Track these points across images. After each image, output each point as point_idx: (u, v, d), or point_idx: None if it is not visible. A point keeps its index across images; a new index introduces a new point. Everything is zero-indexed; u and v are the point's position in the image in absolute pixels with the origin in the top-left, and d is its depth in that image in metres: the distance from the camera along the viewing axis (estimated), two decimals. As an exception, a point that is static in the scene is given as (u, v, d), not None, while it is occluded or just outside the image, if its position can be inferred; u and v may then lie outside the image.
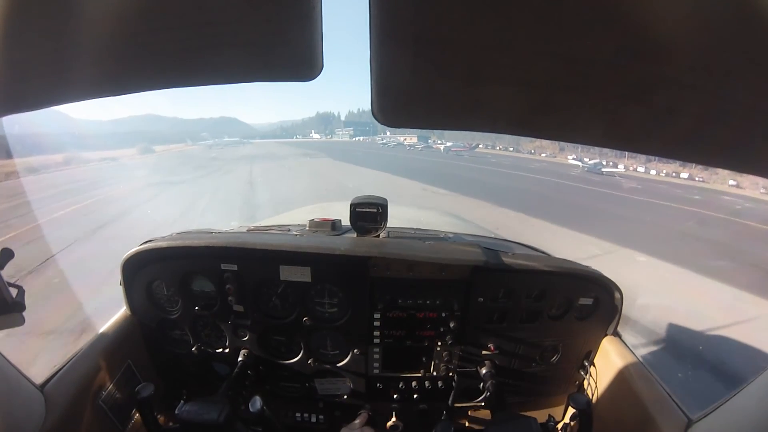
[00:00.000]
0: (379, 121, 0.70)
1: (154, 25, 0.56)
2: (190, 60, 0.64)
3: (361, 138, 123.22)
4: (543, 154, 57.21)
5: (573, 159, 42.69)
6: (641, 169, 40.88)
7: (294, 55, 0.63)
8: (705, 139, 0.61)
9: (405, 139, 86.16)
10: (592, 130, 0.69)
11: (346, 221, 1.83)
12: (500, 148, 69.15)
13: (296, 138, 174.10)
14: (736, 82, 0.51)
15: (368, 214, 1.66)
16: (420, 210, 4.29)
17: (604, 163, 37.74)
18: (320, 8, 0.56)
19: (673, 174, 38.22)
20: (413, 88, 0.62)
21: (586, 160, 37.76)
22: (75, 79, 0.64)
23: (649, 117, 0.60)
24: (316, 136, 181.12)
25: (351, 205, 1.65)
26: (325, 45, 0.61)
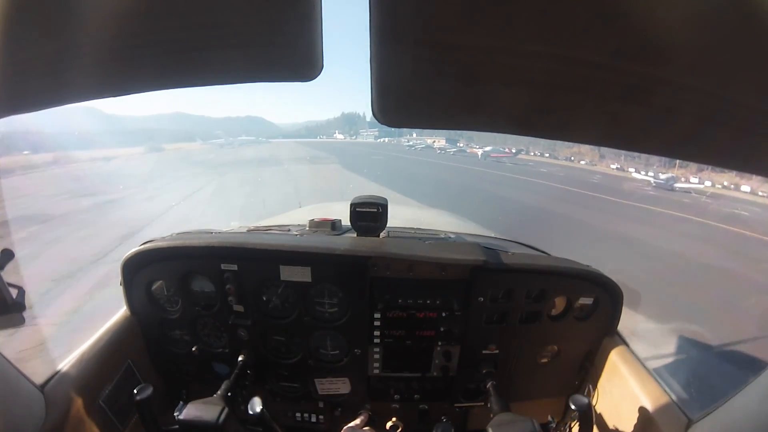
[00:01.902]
0: (379, 121, 0.70)
1: (154, 25, 0.56)
2: (190, 60, 0.64)
3: (386, 139, 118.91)
4: (582, 162, 50.03)
5: (639, 173, 34.85)
6: (694, 179, 32.86)
7: (294, 55, 0.63)
8: (705, 139, 0.61)
9: (434, 142, 77.62)
10: (592, 130, 0.69)
11: (346, 221, 1.83)
12: (534, 154, 59.97)
13: (319, 138, 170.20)
14: (736, 82, 0.51)
15: (368, 214, 1.66)
16: (420, 210, 4.30)
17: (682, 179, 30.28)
18: (320, 8, 0.56)
19: (732, 186, 30.15)
20: (413, 88, 0.62)
21: (660, 175, 30.58)
22: (75, 79, 0.64)
23: (649, 117, 0.60)
24: (340, 136, 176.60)
25: (351, 205, 1.65)
26: (325, 45, 0.61)
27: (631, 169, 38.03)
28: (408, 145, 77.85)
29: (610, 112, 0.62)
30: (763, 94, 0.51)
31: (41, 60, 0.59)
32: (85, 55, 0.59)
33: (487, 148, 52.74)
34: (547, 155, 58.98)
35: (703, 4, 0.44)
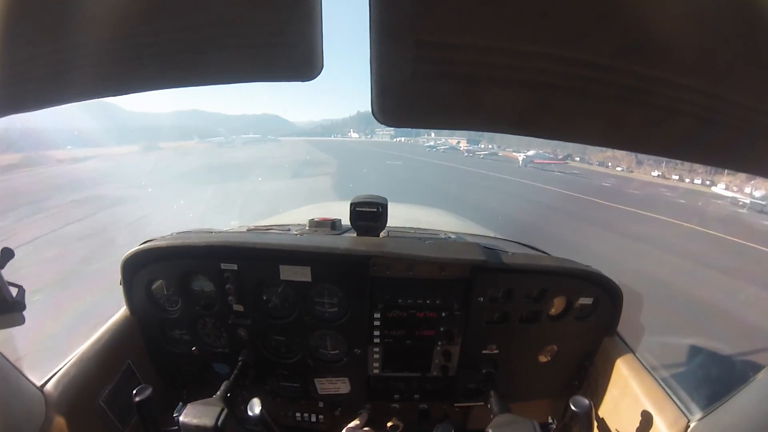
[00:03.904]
0: (379, 121, 0.70)
1: (154, 25, 0.56)
2: (190, 60, 0.64)
3: (402, 139, 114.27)
4: (618, 168, 44.45)
5: (718, 186, 27.88)
6: (746, 189, 25.15)
7: (294, 55, 0.63)
8: (705, 139, 0.61)
9: (458, 142, 67.61)
10: (592, 130, 0.69)
11: (346, 221, 1.83)
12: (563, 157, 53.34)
13: (333, 137, 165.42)
14: (736, 82, 0.51)
15: (368, 214, 1.66)
16: (420, 209, 4.29)
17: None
18: (320, 8, 0.56)
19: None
20: (413, 88, 0.62)
21: (755, 192, 22.38)
22: (75, 79, 0.64)
23: (649, 117, 0.60)
24: (355, 135, 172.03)
25: (351, 205, 1.65)
26: (325, 45, 0.61)
27: (707, 182, 31.01)
28: (429, 146, 65.38)
29: (610, 112, 0.62)
30: (763, 94, 0.51)
31: (41, 60, 0.59)
32: (86, 54, 0.59)
33: (530, 153, 42.03)
34: (578, 159, 52.74)
35: (703, 4, 0.44)
